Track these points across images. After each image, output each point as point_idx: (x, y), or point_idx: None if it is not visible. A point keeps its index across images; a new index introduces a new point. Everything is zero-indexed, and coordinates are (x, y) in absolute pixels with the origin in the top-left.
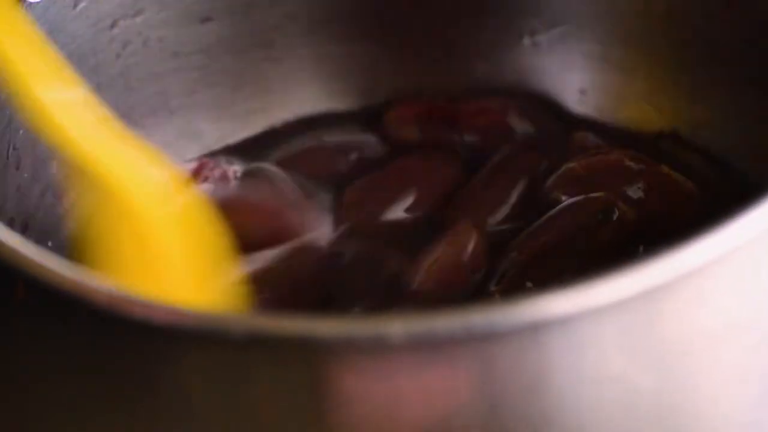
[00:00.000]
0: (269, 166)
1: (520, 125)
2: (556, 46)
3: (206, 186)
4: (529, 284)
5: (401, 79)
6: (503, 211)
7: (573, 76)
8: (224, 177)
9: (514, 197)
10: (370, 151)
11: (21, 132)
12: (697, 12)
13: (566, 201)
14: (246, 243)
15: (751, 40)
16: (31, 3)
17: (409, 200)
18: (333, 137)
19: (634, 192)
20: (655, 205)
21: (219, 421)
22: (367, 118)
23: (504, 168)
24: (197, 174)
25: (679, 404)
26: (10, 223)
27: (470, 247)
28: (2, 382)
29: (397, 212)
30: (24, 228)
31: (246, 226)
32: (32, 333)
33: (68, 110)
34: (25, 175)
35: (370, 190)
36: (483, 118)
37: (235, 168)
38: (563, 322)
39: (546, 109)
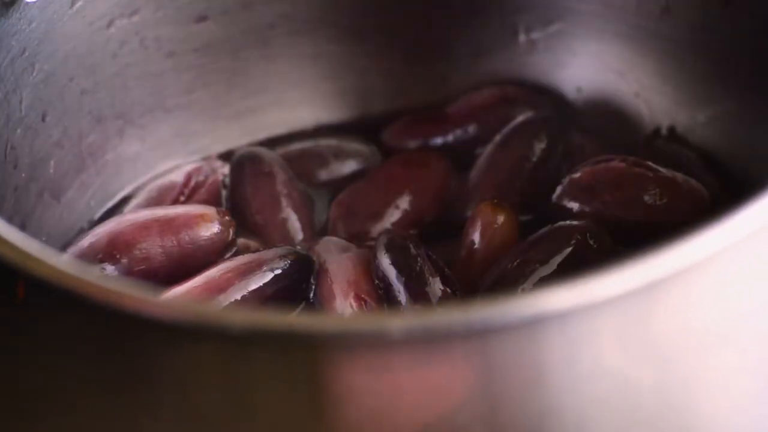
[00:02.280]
0: (265, 151)
1: (515, 110)
2: (552, 43)
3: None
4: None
5: (398, 78)
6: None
7: (569, 74)
8: (214, 183)
9: (522, 178)
10: (368, 159)
11: (18, 131)
12: (694, 11)
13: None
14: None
15: (747, 40)
16: (27, 2)
17: (398, 212)
18: (331, 143)
19: (650, 197)
20: (668, 209)
21: (218, 414)
22: (365, 129)
23: (506, 147)
24: (187, 184)
25: (675, 399)
26: (8, 223)
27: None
28: (4, 378)
29: (386, 224)
30: (21, 227)
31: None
32: (33, 330)
33: None
34: (23, 174)
35: (355, 203)
36: (474, 112)
37: (224, 171)
38: (560, 317)
39: (545, 95)
